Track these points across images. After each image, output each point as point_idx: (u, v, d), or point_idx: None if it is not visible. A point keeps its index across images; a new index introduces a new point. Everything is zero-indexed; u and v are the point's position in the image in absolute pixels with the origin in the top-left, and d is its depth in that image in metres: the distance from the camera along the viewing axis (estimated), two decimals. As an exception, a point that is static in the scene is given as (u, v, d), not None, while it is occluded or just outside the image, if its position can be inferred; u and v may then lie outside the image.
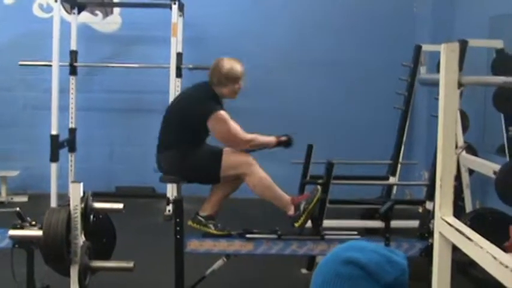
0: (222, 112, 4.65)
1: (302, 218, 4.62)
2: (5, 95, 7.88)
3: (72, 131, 7.47)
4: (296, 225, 4.64)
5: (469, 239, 2.31)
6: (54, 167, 6.82)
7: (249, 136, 4.74)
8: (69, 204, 3.76)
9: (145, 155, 7.87)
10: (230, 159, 4.63)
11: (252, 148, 4.79)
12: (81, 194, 3.78)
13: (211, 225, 4.70)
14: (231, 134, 4.67)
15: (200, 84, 4.88)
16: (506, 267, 2.03)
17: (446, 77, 2.55)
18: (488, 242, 2.26)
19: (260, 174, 4.66)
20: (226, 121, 4.66)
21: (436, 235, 2.63)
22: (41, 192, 7.22)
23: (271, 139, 4.88)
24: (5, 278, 4.13)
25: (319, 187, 4.72)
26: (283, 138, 4.93)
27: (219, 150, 4.67)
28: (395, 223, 4.85)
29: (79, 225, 3.72)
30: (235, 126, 4.70)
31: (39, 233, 3.74)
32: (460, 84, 2.56)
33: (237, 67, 4.81)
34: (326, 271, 1.55)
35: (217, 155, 4.63)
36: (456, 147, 4.62)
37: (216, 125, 4.64)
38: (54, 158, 6.83)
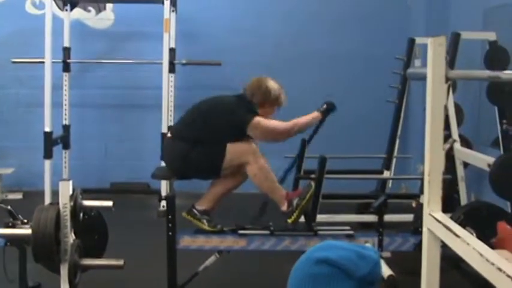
0: (257, 118, 4.64)
1: (295, 215, 4.61)
2: (-2, 93, 7.87)
3: (66, 128, 7.45)
4: (289, 221, 4.62)
5: (457, 235, 2.29)
6: (48, 164, 6.80)
7: (289, 124, 4.75)
8: (58, 203, 3.74)
9: (139, 151, 7.90)
10: (233, 149, 4.57)
11: (298, 131, 4.85)
12: (71, 192, 3.75)
13: (204, 221, 4.67)
14: (271, 131, 4.70)
15: (240, 95, 4.83)
16: (493, 264, 2.01)
17: (434, 71, 2.52)
18: (475, 239, 2.25)
19: (261, 164, 4.61)
20: (262, 123, 4.64)
21: (424, 231, 2.61)
22: (36, 189, 7.20)
23: (315, 114, 4.93)
24: (-3, 276, 4.12)
25: (312, 183, 4.69)
26: (324, 107, 4.98)
27: (223, 145, 4.59)
28: (389, 217, 4.84)
29: (68, 224, 3.70)
30: (271, 123, 4.71)
31: (29, 231, 3.72)
32: (447, 79, 2.53)
33: (284, 94, 4.89)
34: (299, 274, 1.54)
35: (221, 148, 4.56)
36: (445, 141, 4.61)
37: (254, 131, 4.64)
38: (47, 155, 6.81)
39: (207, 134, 4.61)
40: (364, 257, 1.52)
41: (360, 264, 1.51)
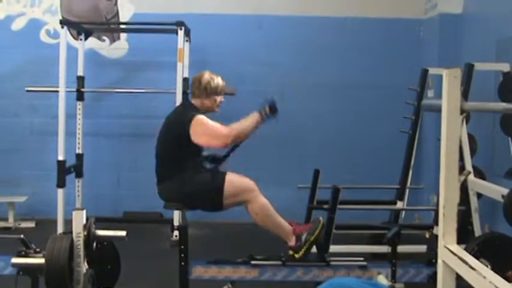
0: (200, 116, 4.63)
1: (303, 250, 4.57)
2: (12, 121, 7.91)
3: (79, 157, 7.47)
4: (297, 256, 4.58)
5: (472, 268, 2.27)
6: (60, 192, 6.81)
7: (227, 128, 4.60)
8: (72, 232, 3.74)
9: (152, 180, 7.81)
10: (232, 186, 4.56)
11: (239, 137, 4.63)
12: (84, 221, 3.75)
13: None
14: (210, 131, 4.59)
15: (178, 105, 4.89)
16: (509, 298, 1.99)
17: (449, 103, 2.52)
18: (491, 272, 2.23)
19: (262, 202, 4.57)
20: (203, 121, 4.60)
21: (439, 263, 2.59)
22: (49, 217, 7.20)
23: (254, 117, 4.67)
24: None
25: (321, 218, 4.67)
26: (266, 109, 4.66)
27: (221, 178, 4.58)
28: (402, 248, 4.81)
29: (82, 253, 3.69)
30: (213, 124, 4.62)
31: (42, 260, 3.71)
32: (462, 111, 2.53)
33: (218, 80, 4.84)
34: None
35: (219, 183, 4.55)
36: (460, 173, 4.59)
37: (195, 129, 4.58)
38: (61, 183, 6.82)
39: (178, 156, 4.68)
40: None
41: None
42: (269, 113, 4.66)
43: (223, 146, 4.63)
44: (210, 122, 4.62)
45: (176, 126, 4.71)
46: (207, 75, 4.83)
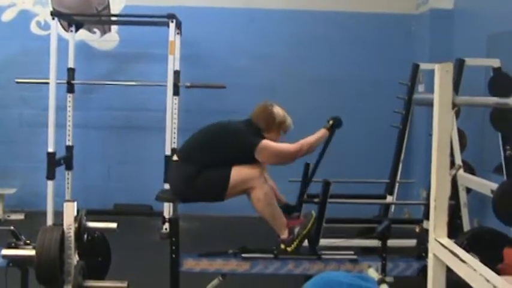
0: (264, 141, 4.63)
1: (295, 243, 4.59)
2: (2, 112, 7.90)
3: (69, 149, 7.46)
4: (289, 249, 4.60)
5: (463, 261, 2.28)
6: (50, 184, 6.81)
7: (296, 145, 4.71)
8: (63, 224, 3.74)
9: (142, 172, 7.90)
10: (238, 173, 4.54)
11: (307, 152, 4.77)
12: (75, 213, 3.75)
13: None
14: (278, 153, 4.68)
15: (247, 120, 4.84)
16: (500, 290, 2.01)
17: (441, 97, 2.53)
18: (481, 264, 2.24)
19: (266, 190, 4.57)
20: (268, 146, 4.63)
21: (430, 257, 2.60)
22: (38, 209, 7.20)
23: (321, 132, 4.90)
24: (-2, 298, 4.10)
25: (313, 212, 4.68)
26: (331, 123, 4.93)
27: (228, 170, 4.54)
28: (392, 242, 4.81)
29: (72, 245, 3.69)
30: (278, 145, 4.71)
31: (33, 252, 3.71)
32: (454, 105, 2.54)
33: (289, 121, 4.91)
34: None
35: (227, 172, 4.54)
36: (451, 167, 4.61)
37: (261, 154, 4.60)
38: (50, 175, 6.83)
39: (216, 157, 4.59)
40: None
41: None
42: (335, 127, 4.97)
43: (292, 161, 4.77)
44: (274, 145, 4.70)
45: (237, 140, 4.68)
46: (278, 111, 4.87)
